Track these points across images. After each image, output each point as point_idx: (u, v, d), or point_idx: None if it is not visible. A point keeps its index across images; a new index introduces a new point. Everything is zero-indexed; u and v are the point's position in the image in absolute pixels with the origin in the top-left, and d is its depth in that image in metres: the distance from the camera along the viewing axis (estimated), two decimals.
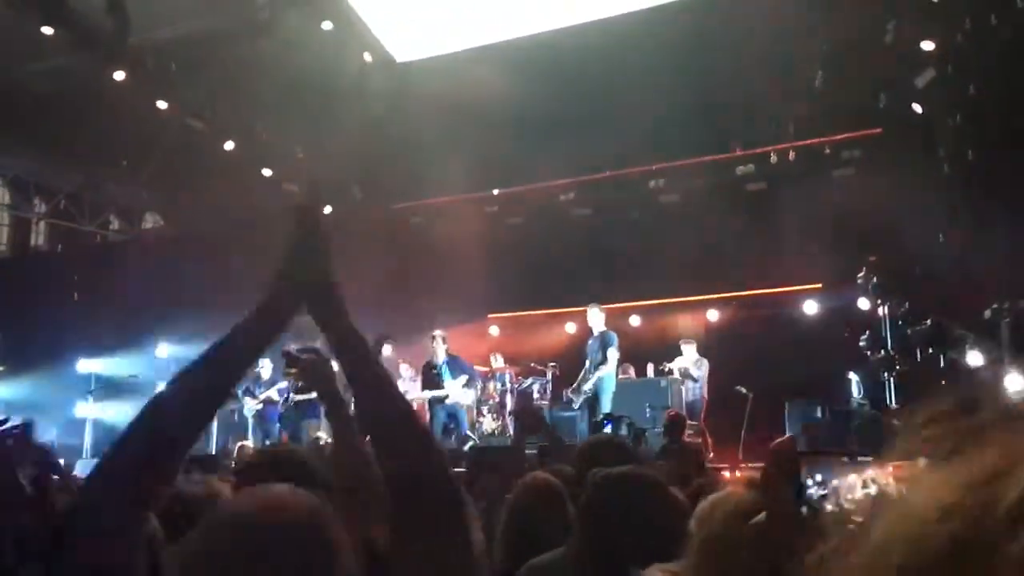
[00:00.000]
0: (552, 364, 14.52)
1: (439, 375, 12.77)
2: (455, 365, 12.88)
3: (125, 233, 21.47)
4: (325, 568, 1.32)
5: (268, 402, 14.08)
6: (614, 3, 14.68)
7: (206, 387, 1.74)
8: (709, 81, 13.78)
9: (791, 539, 3.18)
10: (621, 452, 3.70)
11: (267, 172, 16.86)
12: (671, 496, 2.87)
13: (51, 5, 13.41)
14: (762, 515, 3.43)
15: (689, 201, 15.58)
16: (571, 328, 15.64)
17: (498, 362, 14.80)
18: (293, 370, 2.72)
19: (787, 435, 3.24)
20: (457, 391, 12.72)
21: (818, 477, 3.82)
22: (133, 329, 16.25)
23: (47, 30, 13.62)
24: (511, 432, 13.44)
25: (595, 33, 14.71)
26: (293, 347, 2.82)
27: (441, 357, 12.87)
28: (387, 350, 13.19)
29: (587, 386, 12.22)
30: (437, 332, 13.19)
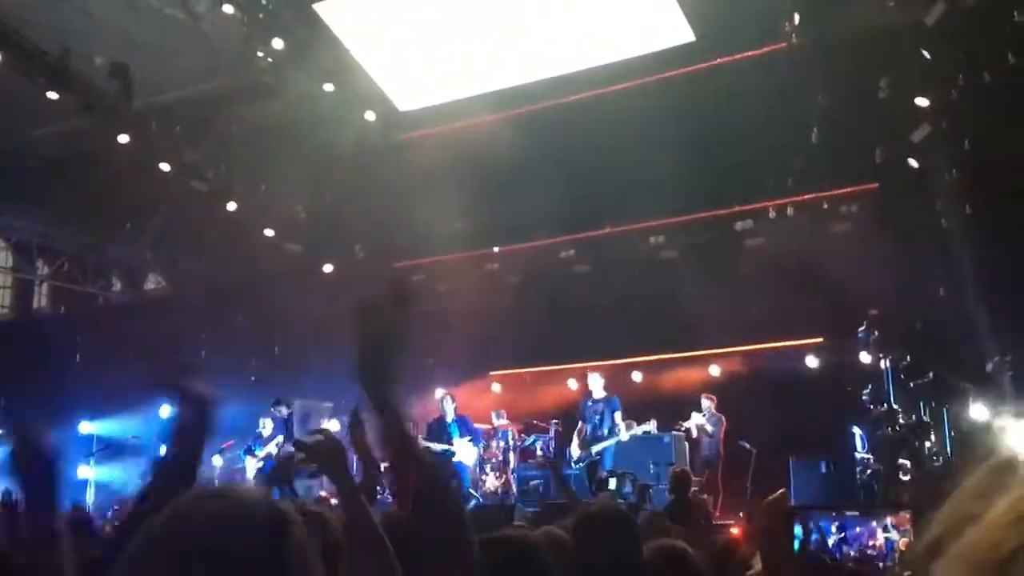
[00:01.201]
0: (555, 421, 14.48)
1: (448, 433, 13.05)
2: (463, 425, 13.20)
3: (127, 294, 21.53)
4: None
5: (268, 459, 14.06)
6: (610, 52, 14.89)
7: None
8: (707, 137, 13.93)
9: None
10: (622, 527, 3.59)
11: (269, 232, 16.97)
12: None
13: (56, 70, 13.61)
14: (757, 568, 3.43)
15: (689, 257, 15.64)
16: (573, 385, 15.62)
17: (500, 419, 14.75)
18: (303, 456, 2.70)
19: (780, 490, 3.24)
20: (464, 449, 12.95)
21: (834, 526, 3.83)
22: (135, 390, 16.22)
23: (52, 95, 13.82)
24: (514, 490, 13.40)
25: (594, 93, 14.93)
26: (304, 435, 2.82)
27: (451, 415, 13.18)
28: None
29: (597, 447, 12.38)
30: (446, 392, 13.74)
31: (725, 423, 13.65)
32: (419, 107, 16.32)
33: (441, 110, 16.09)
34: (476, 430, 13.52)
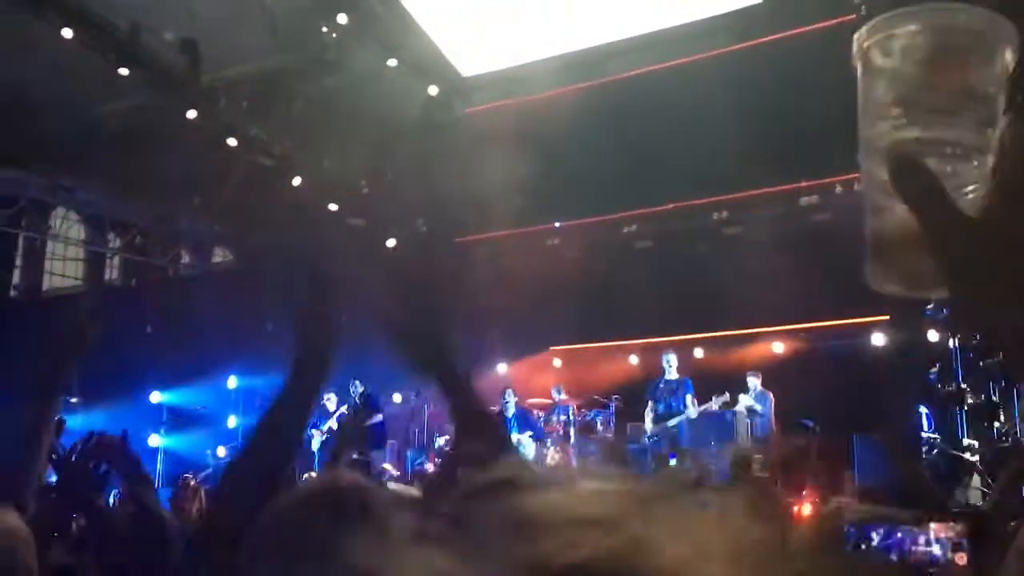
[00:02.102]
0: (615, 396, 14.48)
1: (507, 428, 13.31)
2: (524, 419, 13.41)
3: (195, 267, 21.93)
4: None
5: (331, 432, 14.29)
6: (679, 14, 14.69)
7: (267, 462, 1.81)
8: (773, 112, 13.72)
9: None
10: None
11: (333, 207, 17.13)
12: None
13: (126, 46, 13.84)
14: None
15: (753, 233, 15.47)
16: (633, 360, 15.60)
17: (560, 395, 14.80)
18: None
19: (834, 504, 3.22)
20: (524, 445, 13.21)
21: (879, 532, 3.78)
22: (203, 361, 16.56)
23: (123, 71, 14.06)
24: (574, 465, 13.46)
25: (658, 67, 14.79)
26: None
27: (511, 410, 13.38)
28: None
29: (672, 423, 12.50)
30: (509, 390, 14.06)
31: (773, 399, 13.53)
32: (483, 71, 16.23)
33: (505, 76, 16.01)
34: (537, 425, 13.67)
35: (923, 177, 0.83)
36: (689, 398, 12.52)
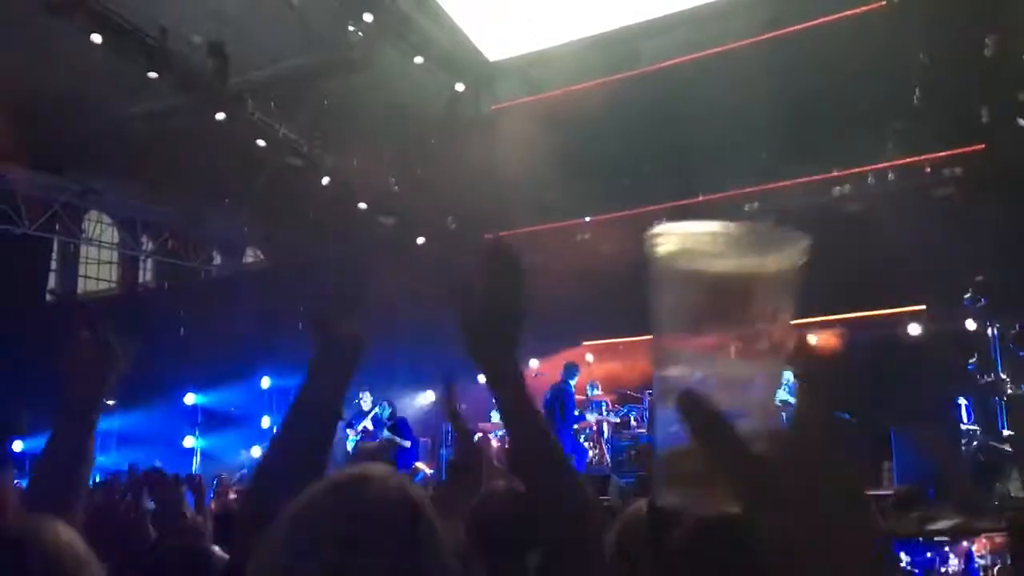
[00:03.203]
0: (648, 391, 14.39)
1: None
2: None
3: (227, 268, 22.07)
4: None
5: (365, 432, 14.30)
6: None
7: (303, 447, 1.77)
8: (805, 102, 13.56)
9: None
10: None
11: (362, 205, 17.16)
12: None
13: (155, 50, 13.94)
14: None
15: (785, 223, 15.24)
16: None
17: (595, 391, 14.73)
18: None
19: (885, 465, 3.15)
20: None
21: (907, 551, 3.68)
22: (236, 362, 16.65)
23: (152, 74, 14.16)
24: (608, 461, 13.39)
25: (686, 58, 14.68)
26: None
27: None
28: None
29: None
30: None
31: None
32: (510, 55, 16.10)
33: (532, 59, 15.87)
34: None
35: (707, 410, 0.88)
36: None
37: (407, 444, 14.22)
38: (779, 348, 0.97)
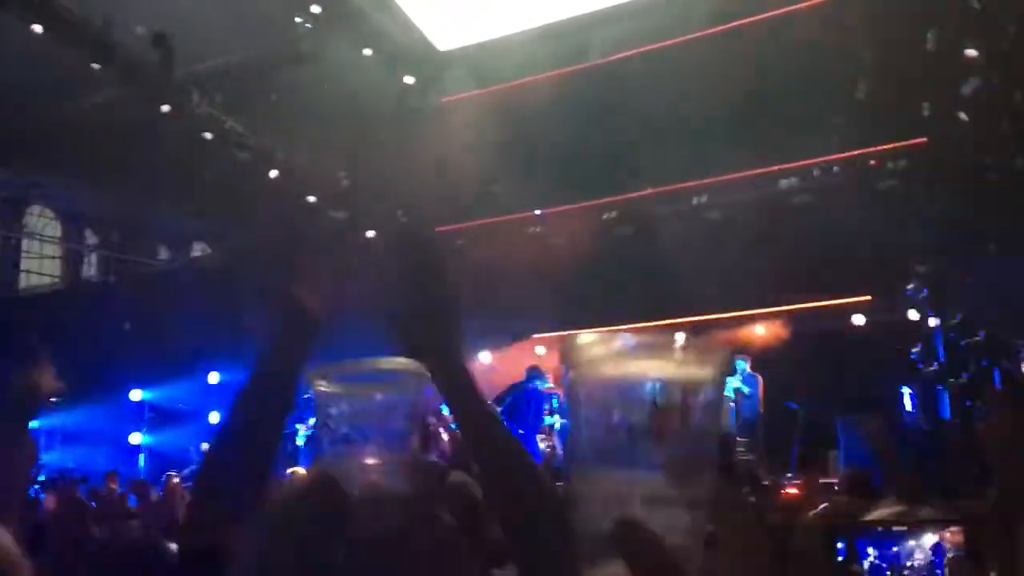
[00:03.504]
0: None
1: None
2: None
3: (174, 262, 21.79)
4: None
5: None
6: None
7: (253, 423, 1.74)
8: (751, 96, 13.71)
9: None
10: None
11: (312, 199, 17.05)
12: None
13: (98, 41, 13.70)
14: None
15: (733, 216, 15.49)
16: None
17: (544, 384, 14.77)
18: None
19: (823, 505, 3.23)
20: None
21: (871, 550, 3.74)
22: (184, 357, 16.45)
23: (95, 66, 13.92)
24: (559, 454, 13.45)
25: (632, 52, 14.76)
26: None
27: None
28: None
29: None
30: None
31: (762, 381, 13.59)
32: (459, 45, 16.01)
33: (482, 49, 15.80)
34: None
35: (640, 534, 0.89)
36: None
37: None
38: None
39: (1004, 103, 12.41)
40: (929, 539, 3.89)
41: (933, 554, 3.82)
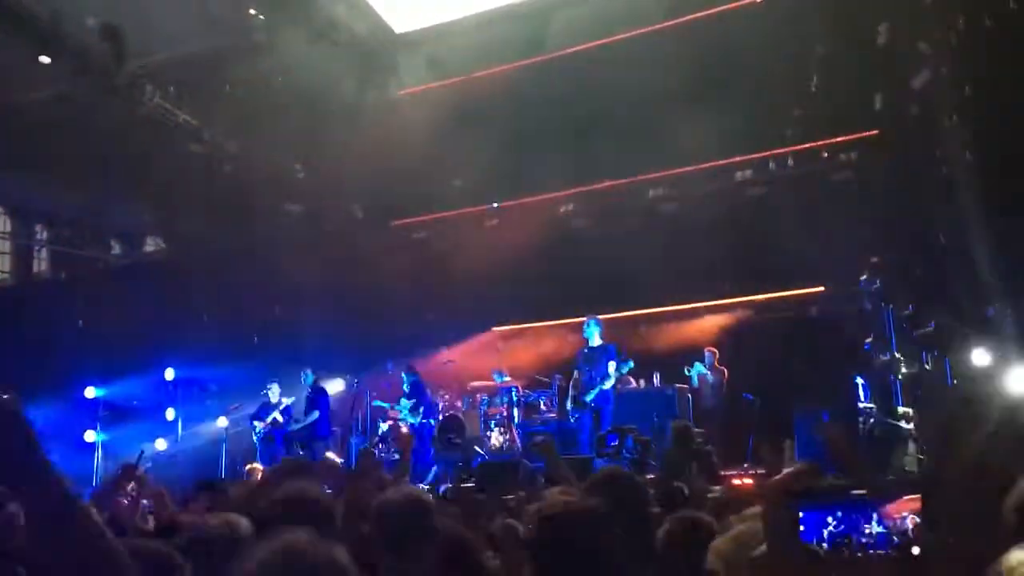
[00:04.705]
0: (557, 376, 14.52)
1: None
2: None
3: (127, 258, 21.48)
4: None
5: (274, 424, 14.13)
6: None
7: None
8: (706, 88, 13.78)
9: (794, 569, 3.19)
10: (631, 491, 3.58)
11: (268, 193, 16.91)
12: (614, 533, 2.79)
13: (47, 34, 13.45)
14: (763, 547, 3.44)
15: (689, 208, 15.59)
16: (575, 339, 15.64)
17: (503, 377, 14.80)
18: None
19: (784, 472, 3.26)
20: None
21: (836, 517, 3.80)
22: (138, 354, 16.25)
23: (44, 59, 13.67)
24: (519, 446, 13.47)
25: (590, 44, 14.78)
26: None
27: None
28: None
29: (590, 397, 12.21)
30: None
31: (726, 375, 13.78)
32: (417, 27, 15.83)
33: (439, 31, 15.66)
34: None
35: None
36: (612, 365, 12.27)
37: (315, 415, 14.08)
38: None
39: (954, 96, 12.59)
40: (888, 508, 3.95)
41: (890, 521, 3.89)
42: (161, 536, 3.22)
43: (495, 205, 17.04)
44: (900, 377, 11.94)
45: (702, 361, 13.99)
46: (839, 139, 14.69)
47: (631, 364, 12.43)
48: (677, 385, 13.45)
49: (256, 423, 14.29)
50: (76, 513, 1.69)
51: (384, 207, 17.66)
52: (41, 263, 21.79)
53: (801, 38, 13.81)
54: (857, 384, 12.08)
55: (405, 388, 14.24)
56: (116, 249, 21.53)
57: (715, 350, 14.09)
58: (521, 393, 14.46)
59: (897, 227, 12.96)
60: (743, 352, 14.22)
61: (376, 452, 12.78)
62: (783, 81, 14.06)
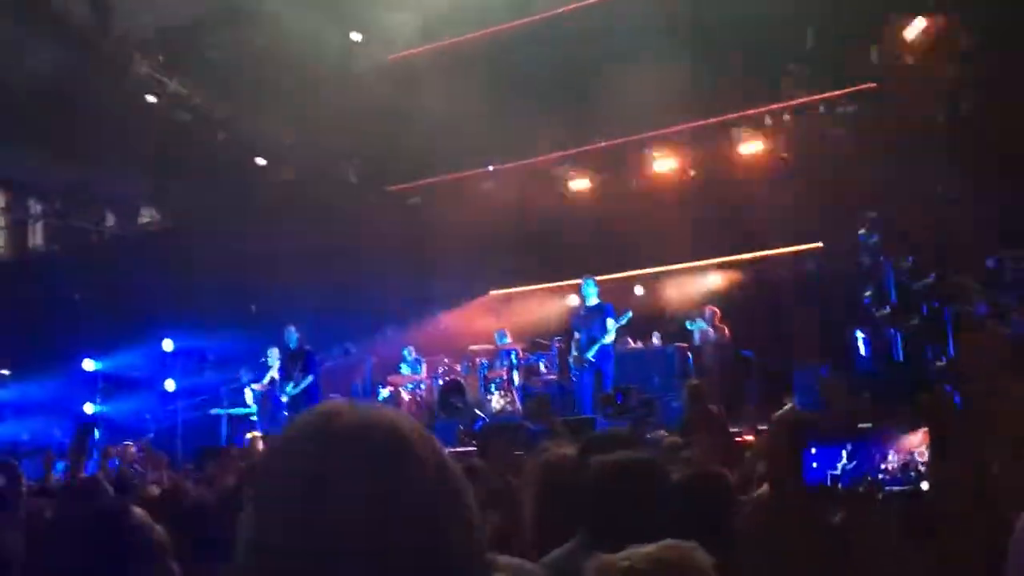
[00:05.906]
0: (557, 338, 14.49)
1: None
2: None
3: (122, 229, 21.38)
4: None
5: (272, 383, 13.83)
6: None
7: None
8: (702, 45, 13.64)
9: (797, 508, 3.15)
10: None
11: (260, 160, 16.80)
12: (665, 480, 2.82)
13: (34, 3, 13.29)
14: (764, 488, 3.40)
15: (686, 166, 15.50)
16: (573, 301, 15.61)
17: (504, 339, 14.76)
18: None
19: (788, 405, 3.23)
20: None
21: (848, 450, 3.76)
22: (136, 325, 16.22)
23: (32, 29, 13.52)
24: (519, 408, 13.46)
25: (581, 4, 14.61)
26: None
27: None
28: None
29: (591, 353, 12.10)
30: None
31: (727, 332, 13.75)
32: None
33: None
34: None
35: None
36: (610, 322, 12.18)
37: (310, 379, 13.60)
38: None
39: (950, 47, 12.48)
40: (903, 441, 3.92)
41: (907, 456, 3.86)
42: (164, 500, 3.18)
43: (490, 168, 16.89)
44: (900, 330, 11.90)
45: (703, 318, 13.99)
46: (836, 93, 14.56)
47: (629, 315, 12.34)
48: (677, 344, 13.44)
49: (253, 385, 14.16)
50: None
51: (378, 172, 17.55)
52: (35, 237, 21.70)
53: None
54: (857, 338, 12.06)
55: None
56: (110, 221, 21.43)
57: (715, 308, 14.07)
58: (521, 356, 14.44)
59: (895, 180, 12.87)
60: (742, 309, 14.21)
61: None
62: (779, 35, 13.91)
